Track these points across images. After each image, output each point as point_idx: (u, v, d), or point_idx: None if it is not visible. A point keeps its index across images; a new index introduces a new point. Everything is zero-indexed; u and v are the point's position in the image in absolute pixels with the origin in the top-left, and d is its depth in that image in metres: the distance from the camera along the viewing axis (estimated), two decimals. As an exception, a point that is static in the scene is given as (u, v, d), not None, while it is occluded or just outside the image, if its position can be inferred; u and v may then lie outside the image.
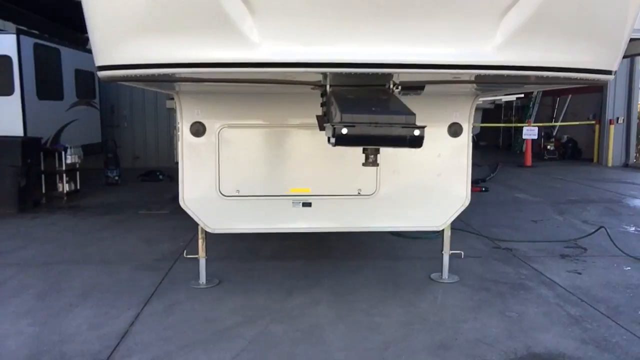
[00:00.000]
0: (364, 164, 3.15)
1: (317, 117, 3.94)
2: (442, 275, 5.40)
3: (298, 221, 5.11)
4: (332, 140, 2.77)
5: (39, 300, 4.80)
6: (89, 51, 11.00)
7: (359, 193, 5.07)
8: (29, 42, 9.89)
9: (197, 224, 5.06)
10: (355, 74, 2.92)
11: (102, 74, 3.05)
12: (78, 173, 10.29)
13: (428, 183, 5.15)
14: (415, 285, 5.23)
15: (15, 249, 6.49)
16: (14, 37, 9.53)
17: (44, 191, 9.68)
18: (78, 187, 10.32)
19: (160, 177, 13.09)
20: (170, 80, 3.66)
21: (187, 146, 4.96)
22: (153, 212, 8.84)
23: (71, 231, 7.50)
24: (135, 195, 10.72)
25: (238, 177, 5.01)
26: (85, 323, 4.28)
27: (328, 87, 3.19)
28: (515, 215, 8.59)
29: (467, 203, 5.17)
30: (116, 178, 12.12)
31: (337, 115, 2.77)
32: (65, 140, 10.96)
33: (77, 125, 11.97)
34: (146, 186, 12.03)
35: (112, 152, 12.20)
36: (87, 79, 12.74)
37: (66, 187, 9.83)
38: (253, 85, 4.21)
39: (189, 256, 5.23)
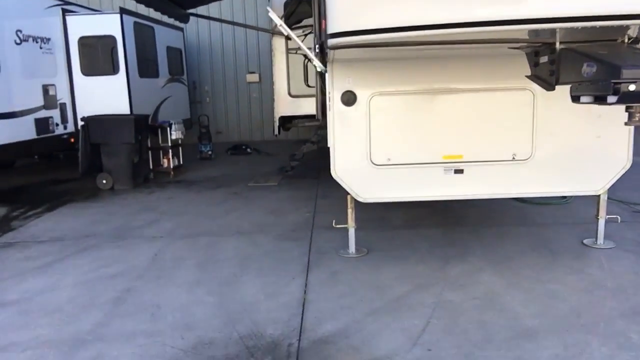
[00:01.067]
0: (627, 123, 3.00)
1: (531, 76, 3.79)
2: (596, 240, 5.20)
3: (449, 188, 5.02)
4: (612, 99, 2.64)
5: (202, 270, 4.94)
6: (178, 28, 11.00)
7: (513, 158, 4.91)
8: (130, 21, 10.06)
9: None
10: (584, 28, 2.76)
11: (336, 40, 3.02)
12: (180, 148, 10.52)
13: (586, 145, 4.92)
14: (572, 251, 5.07)
15: (151, 223, 6.71)
16: (117, 16, 9.71)
17: (151, 167, 9.97)
18: (181, 162, 10.57)
19: (249, 150, 13.27)
20: (397, 44, 3.54)
21: (338, 116, 4.92)
22: (262, 184, 8.95)
23: (193, 204, 7.69)
24: (233, 168, 10.90)
25: (389, 145, 4.95)
26: (259, 292, 4.38)
27: (558, 44, 3.03)
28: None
29: (628, 166, 4.93)
30: (209, 152, 12.36)
31: (609, 72, 2.62)
32: (163, 116, 11.20)
33: (171, 101, 12.21)
34: (238, 160, 12.21)
35: (206, 128, 12.42)
36: (176, 56, 12.93)
37: (172, 163, 10.08)
38: (421, 50, 4.09)
39: (338, 226, 5.24)
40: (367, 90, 4.86)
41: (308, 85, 10.10)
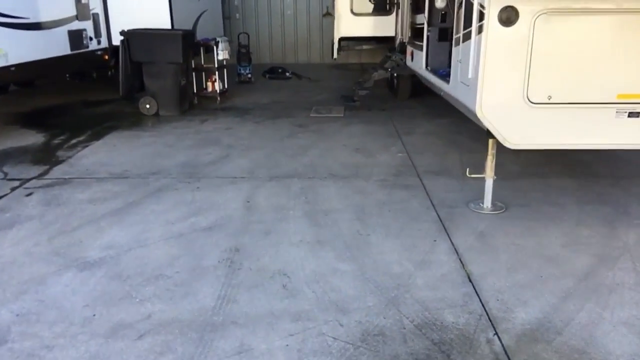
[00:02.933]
0: None
1: None
2: None
3: (622, 135, 4.07)
4: None
5: (315, 225, 4.08)
6: None
7: None
8: None
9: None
10: None
11: None
12: (225, 70, 9.41)
13: None
14: None
15: (222, 159, 5.80)
16: None
17: (194, 91, 8.93)
18: (226, 86, 9.49)
19: (287, 74, 12.13)
20: None
21: (493, 38, 3.89)
22: (325, 115, 7.97)
23: (259, 137, 6.75)
24: (281, 94, 9.85)
25: (552, 79, 3.96)
26: (403, 259, 3.53)
27: None
28: None
29: None
30: (249, 75, 11.24)
31: None
32: (201, 33, 9.99)
33: (207, 16, 10.93)
34: (280, 85, 11.12)
35: (245, 47, 11.21)
36: (211, -39, 11.48)
37: (217, 87, 9.01)
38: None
39: (473, 176, 4.36)
40: (534, 6, 3.81)
41: (370, 1, 8.88)
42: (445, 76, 5.30)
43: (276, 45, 14.79)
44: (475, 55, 4.06)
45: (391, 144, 6.36)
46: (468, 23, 4.26)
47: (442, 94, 5.76)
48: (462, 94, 4.46)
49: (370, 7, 9.02)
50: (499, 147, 4.19)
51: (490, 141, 4.24)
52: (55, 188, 4.95)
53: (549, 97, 3.99)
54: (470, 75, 4.15)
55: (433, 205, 4.46)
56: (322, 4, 14.37)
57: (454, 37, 4.72)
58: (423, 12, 6.39)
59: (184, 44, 7.81)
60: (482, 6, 3.92)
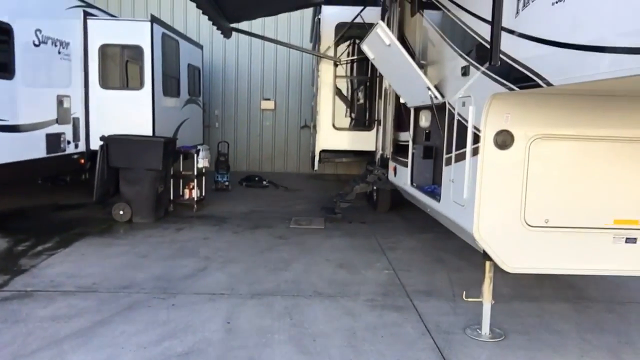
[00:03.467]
0: None
1: None
2: None
3: (620, 261, 3.99)
4: None
5: (304, 353, 3.73)
6: (198, 45, 9.79)
7: None
8: (159, 31, 8.92)
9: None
10: None
11: None
12: (204, 178, 9.29)
13: None
14: None
15: (199, 272, 5.47)
16: (148, 25, 8.56)
17: (171, 197, 8.71)
18: (204, 193, 9.32)
19: (264, 183, 12.09)
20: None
21: (489, 161, 3.87)
22: (306, 227, 7.78)
23: (238, 249, 6.46)
24: (259, 203, 9.69)
25: (548, 203, 3.91)
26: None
27: None
28: None
29: None
30: (227, 183, 11.14)
31: None
32: (181, 141, 9.97)
33: (189, 124, 11.02)
34: (257, 193, 11.01)
35: (225, 156, 11.23)
36: (195, 75, 11.79)
37: (195, 194, 8.82)
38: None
39: (470, 299, 4.14)
40: (528, 131, 3.85)
41: (351, 118, 9.11)
42: (434, 194, 5.26)
43: (253, 154, 14.91)
44: (470, 177, 4.02)
45: (375, 259, 6.16)
46: (461, 143, 4.27)
47: (428, 210, 5.69)
48: (455, 214, 4.37)
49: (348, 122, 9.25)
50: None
51: (487, 264, 4.08)
52: (14, 302, 4.51)
53: (546, 221, 3.92)
54: (465, 196, 4.09)
55: (428, 331, 4.17)
56: (301, 116, 14.76)
57: (445, 156, 4.72)
58: (407, 129, 6.50)
59: (165, 151, 7.72)
60: (477, 129, 3.94)
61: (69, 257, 5.87)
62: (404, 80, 5.69)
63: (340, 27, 8.72)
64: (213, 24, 8.45)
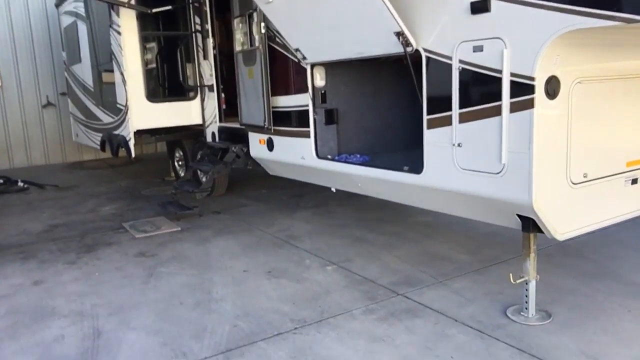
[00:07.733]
0: None
1: None
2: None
3: (634, 202, 3.84)
4: None
5: None
6: None
7: None
8: None
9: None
10: None
11: None
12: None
13: None
14: None
15: None
16: None
17: None
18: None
19: (21, 185, 9.15)
20: None
21: (542, 115, 3.19)
22: (156, 233, 5.93)
23: (104, 296, 4.44)
24: (50, 214, 7.14)
25: (587, 155, 3.47)
26: None
27: None
28: None
29: None
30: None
31: None
32: None
33: None
34: (24, 201, 8.18)
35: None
36: None
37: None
38: None
39: (519, 281, 3.50)
40: (571, 75, 3.28)
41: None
42: (396, 165, 4.29)
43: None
44: (511, 137, 3.26)
45: (297, 256, 4.98)
46: (475, 99, 3.47)
47: (360, 185, 4.77)
48: (479, 184, 3.54)
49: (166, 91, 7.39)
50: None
51: (531, 236, 3.47)
52: None
53: (585, 175, 3.48)
54: (504, 161, 3.33)
55: (474, 328, 3.39)
56: (40, 92, 11.60)
57: (430, 117, 3.81)
58: (295, 91, 5.31)
59: None
60: (520, 77, 3.18)
61: None
62: (343, 24, 4.22)
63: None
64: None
